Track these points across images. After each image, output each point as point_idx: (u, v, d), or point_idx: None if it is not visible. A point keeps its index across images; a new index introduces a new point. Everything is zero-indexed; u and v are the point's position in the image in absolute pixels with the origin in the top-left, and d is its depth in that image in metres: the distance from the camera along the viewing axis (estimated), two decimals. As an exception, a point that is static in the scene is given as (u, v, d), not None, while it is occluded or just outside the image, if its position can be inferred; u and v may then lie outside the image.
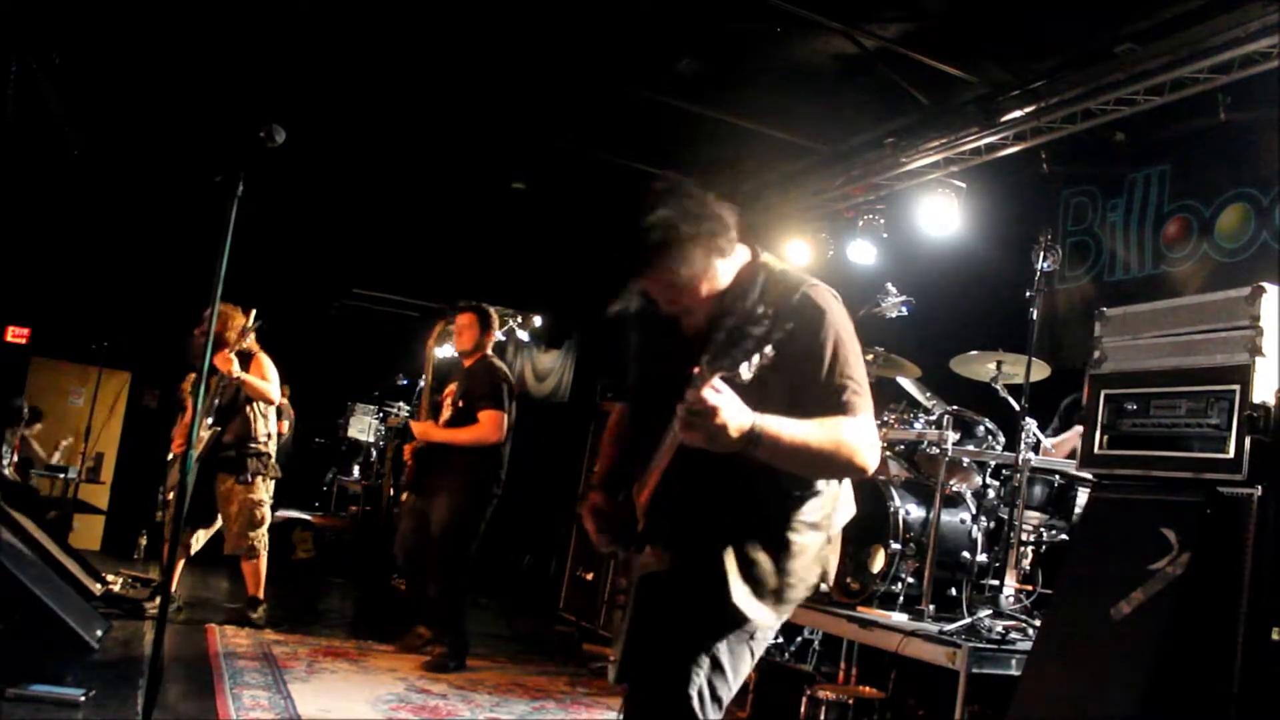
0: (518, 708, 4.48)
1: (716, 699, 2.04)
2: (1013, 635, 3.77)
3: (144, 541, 7.68)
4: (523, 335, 11.07)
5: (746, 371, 1.72)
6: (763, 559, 2.04)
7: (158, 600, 5.85)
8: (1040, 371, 4.44)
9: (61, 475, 8.40)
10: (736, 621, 2.03)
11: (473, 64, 6.18)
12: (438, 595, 5.09)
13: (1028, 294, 4.19)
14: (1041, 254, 4.18)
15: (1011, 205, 6.05)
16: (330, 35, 5.93)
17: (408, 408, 10.18)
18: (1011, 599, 4.18)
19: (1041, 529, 4.50)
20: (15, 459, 8.24)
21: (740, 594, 2.01)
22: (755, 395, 1.83)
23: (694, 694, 2.00)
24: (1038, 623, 3.74)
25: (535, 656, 5.84)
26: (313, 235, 9.04)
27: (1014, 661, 3.61)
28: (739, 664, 2.07)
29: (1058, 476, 4.51)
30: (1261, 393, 2.90)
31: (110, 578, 5.97)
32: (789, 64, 5.71)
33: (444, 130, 7.26)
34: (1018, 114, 5.56)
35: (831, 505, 2.15)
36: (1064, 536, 4.43)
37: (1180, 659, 2.79)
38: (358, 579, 8.20)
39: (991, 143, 5.81)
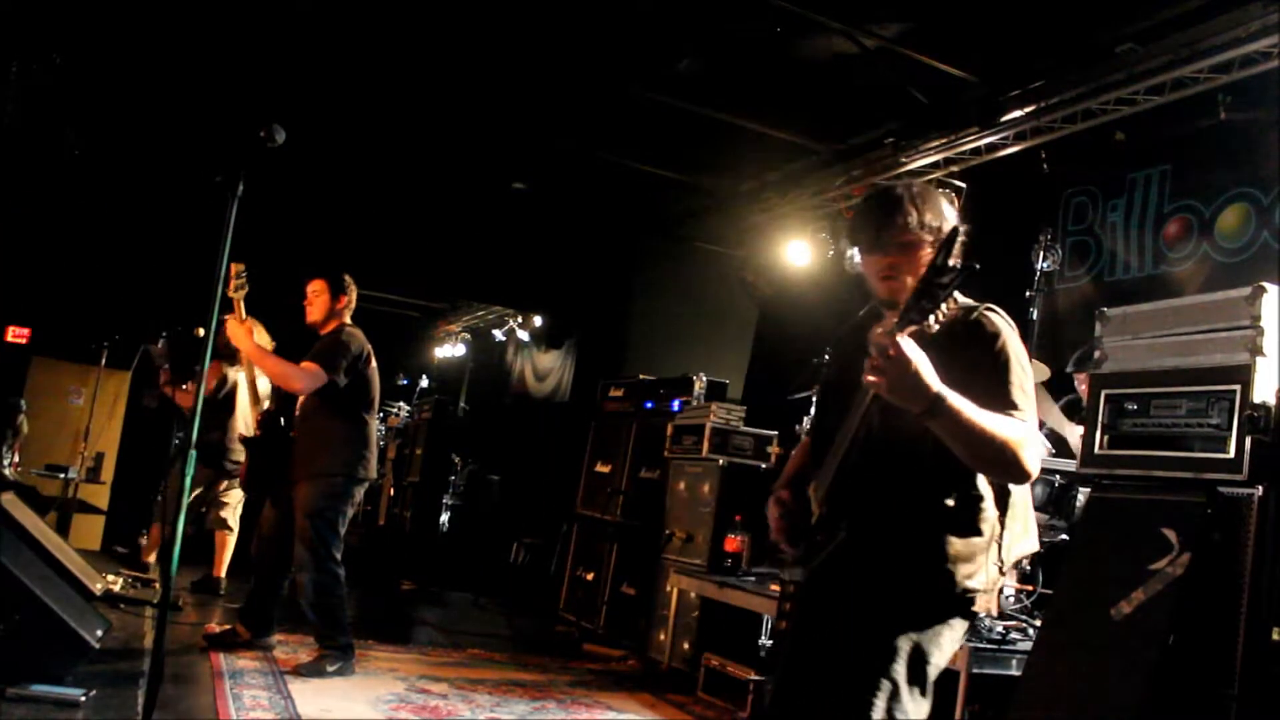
0: (518, 708, 4.48)
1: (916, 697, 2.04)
2: (1013, 635, 3.77)
3: (144, 541, 7.66)
4: (523, 335, 11.09)
5: (934, 322, 1.81)
6: (939, 547, 2.08)
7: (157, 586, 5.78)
8: (1040, 372, 4.43)
9: (61, 475, 8.37)
10: (919, 606, 2.06)
11: (473, 64, 6.19)
12: (310, 588, 4.72)
13: (1028, 294, 4.19)
14: (1041, 254, 4.18)
15: (1011, 205, 6.05)
16: (330, 35, 5.94)
17: (408, 407, 10.16)
18: (1011, 599, 4.18)
19: (1041, 529, 4.50)
20: (16, 459, 8.23)
21: (923, 577, 2.06)
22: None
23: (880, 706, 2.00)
24: (1038, 623, 3.74)
25: (535, 656, 5.84)
26: (312, 234, 9.05)
27: (1014, 661, 3.60)
28: (940, 653, 2.08)
29: (1058, 476, 4.50)
30: (1262, 393, 2.89)
31: (110, 578, 5.96)
32: (789, 64, 5.72)
33: (444, 130, 7.27)
34: (1018, 114, 5.57)
35: (992, 520, 2.17)
36: (1064, 536, 4.42)
37: (1180, 659, 2.79)
38: (358, 579, 8.19)
39: (991, 143, 5.82)
